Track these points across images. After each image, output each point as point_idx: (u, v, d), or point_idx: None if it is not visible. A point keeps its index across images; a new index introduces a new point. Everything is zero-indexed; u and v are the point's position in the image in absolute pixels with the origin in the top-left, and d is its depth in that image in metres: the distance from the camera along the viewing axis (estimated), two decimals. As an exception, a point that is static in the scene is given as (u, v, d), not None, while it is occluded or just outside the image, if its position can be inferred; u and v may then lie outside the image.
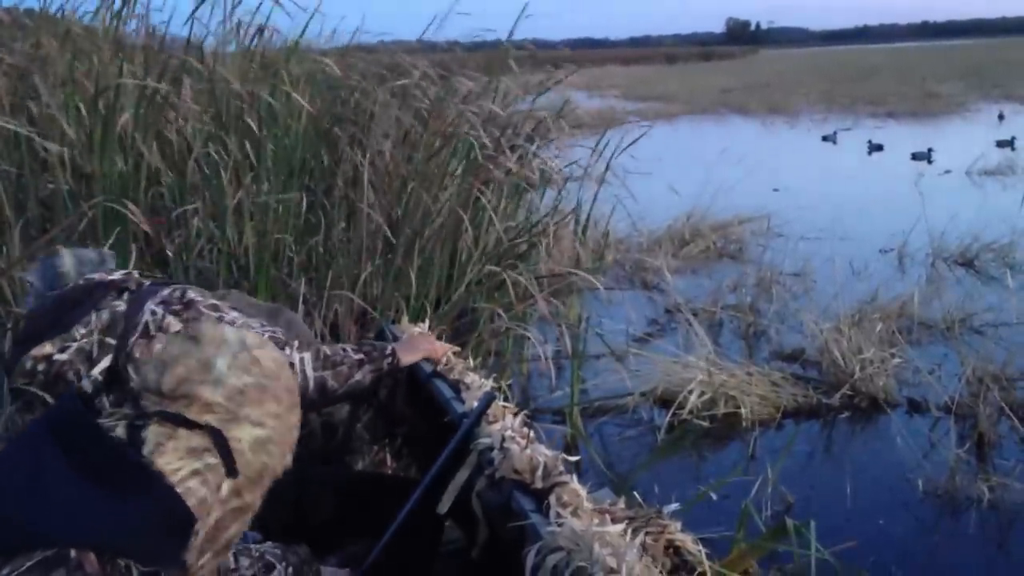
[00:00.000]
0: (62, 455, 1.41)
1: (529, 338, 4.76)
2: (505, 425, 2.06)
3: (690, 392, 4.89)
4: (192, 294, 2.35)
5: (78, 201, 3.69)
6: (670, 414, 4.82)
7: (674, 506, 1.84)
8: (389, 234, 4.16)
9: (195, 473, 1.40)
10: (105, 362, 2.29)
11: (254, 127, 4.17)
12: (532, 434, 2.04)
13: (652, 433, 4.76)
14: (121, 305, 2.29)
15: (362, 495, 2.55)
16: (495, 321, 4.34)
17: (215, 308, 2.38)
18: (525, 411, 2.28)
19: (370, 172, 4.28)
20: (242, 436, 1.45)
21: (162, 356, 1.55)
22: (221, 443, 1.44)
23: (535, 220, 5.35)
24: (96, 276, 2.35)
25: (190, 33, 4.68)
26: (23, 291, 2.63)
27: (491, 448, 2.01)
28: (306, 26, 4.71)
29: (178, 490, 1.37)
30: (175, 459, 1.41)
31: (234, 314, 2.32)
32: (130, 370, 2.31)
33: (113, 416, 1.51)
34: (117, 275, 2.37)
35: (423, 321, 3.04)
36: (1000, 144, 15.49)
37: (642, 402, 5.03)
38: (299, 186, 4.18)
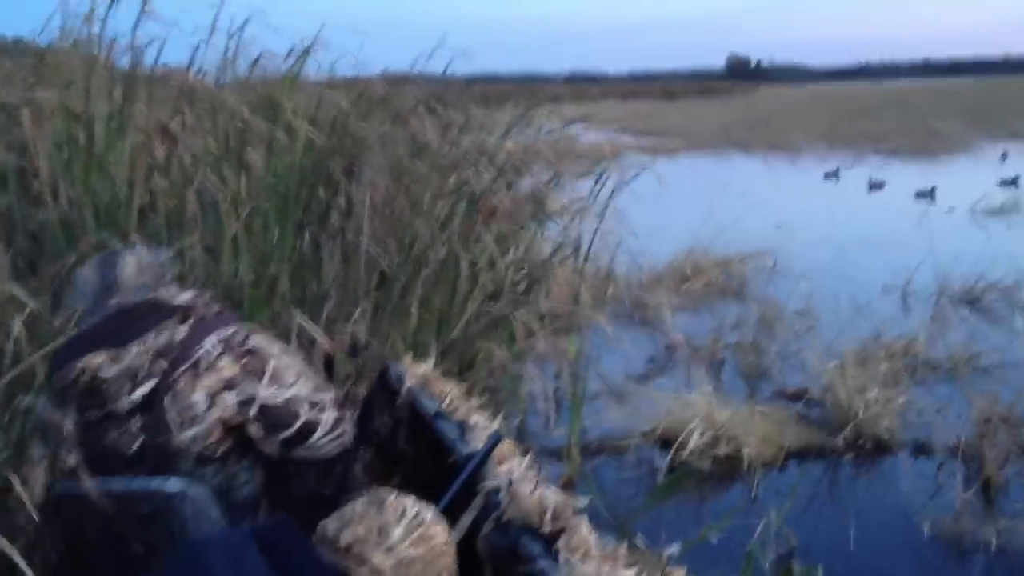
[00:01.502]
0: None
1: (527, 376, 4.75)
2: (513, 466, 2.05)
3: (691, 432, 4.88)
4: (255, 342, 2.33)
5: (70, 232, 3.69)
6: (671, 454, 4.81)
7: (674, 547, 1.84)
8: (386, 269, 4.16)
9: None
10: (148, 386, 2.29)
11: (256, 158, 4.18)
12: (540, 475, 2.03)
13: (652, 474, 4.75)
14: (182, 332, 2.27)
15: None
16: (493, 359, 4.33)
17: (279, 357, 2.35)
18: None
19: (367, 207, 4.29)
20: None
21: (347, 513, 1.69)
22: None
23: (536, 256, 5.36)
24: (164, 293, 2.34)
25: (192, 60, 4.71)
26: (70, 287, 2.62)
27: (498, 490, 2.00)
28: (305, 56, 4.71)
29: None
30: None
31: (298, 368, 2.34)
32: (166, 401, 2.31)
33: None
34: (186, 297, 2.37)
35: (425, 359, 3.02)
36: (1004, 183, 15.57)
37: (642, 442, 5.02)
38: (295, 219, 4.18)
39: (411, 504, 1.73)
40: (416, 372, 2.83)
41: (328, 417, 2.38)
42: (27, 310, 2.97)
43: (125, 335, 2.27)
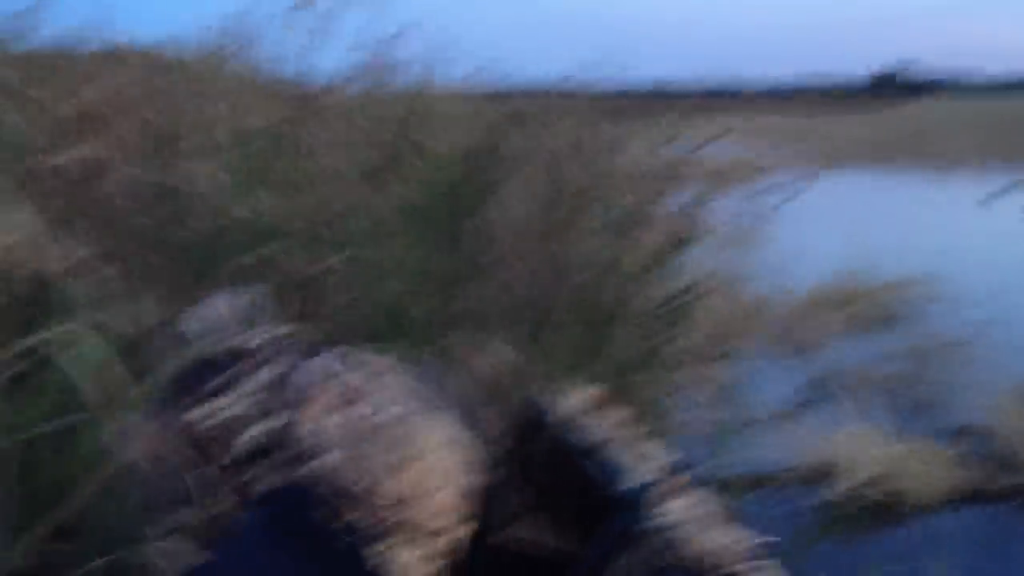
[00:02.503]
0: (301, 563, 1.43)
1: (677, 406, 4.68)
2: (686, 504, 1.98)
3: (845, 468, 4.73)
4: (360, 356, 2.38)
5: (225, 250, 3.76)
6: (823, 492, 4.67)
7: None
8: (533, 295, 4.11)
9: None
10: (260, 426, 2.33)
11: (398, 174, 4.21)
12: (709, 514, 1.96)
13: (802, 512, 4.61)
14: (281, 367, 2.33)
15: (508, 567, 2.52)
16: (643, 389, 4.26)
17: (389, 370, 2.39)
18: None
19: (513, 228, 4.27)
20: None
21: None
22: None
23: (686, 280, 5.26)
24: (252, 334, 2.39)
25: (331, 75, 4.77)
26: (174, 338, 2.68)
27: (669, 529, 1.93)
28: (441, 66, 4.75)
29: None
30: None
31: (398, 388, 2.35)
32: (285, 435, 2.35)
33: None
34: (279, 331, 2.42)
35: (578, 388, 2.97)
36: None
37: (792, 478, 4.88)
38: (440, 240, 4.19)
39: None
40: (569, 402, 2.80)
41: None
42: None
43: (217, 385, 2.32)
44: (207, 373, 2.37)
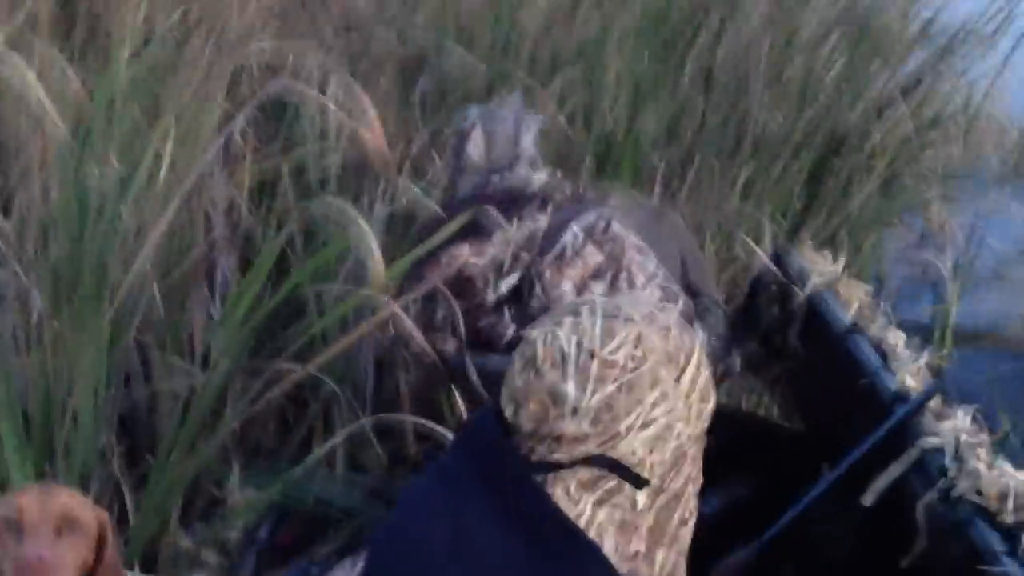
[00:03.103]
0: (492, 509, 1.30)
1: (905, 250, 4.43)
2: (958, 427, 1.86)
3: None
4: (617, 228, 2.32)
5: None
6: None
7: None
8: (764, 128, 3.87)
9: (600, 504, 1.29)
10: (514, 277, 2.32)
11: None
12: (990, 443, 1.83)
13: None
14: (542, 220, 2.29)
15: (745, 434, 2.48)
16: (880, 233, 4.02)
17: (639, 250, 2.33)
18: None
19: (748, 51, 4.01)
20: (632, 449, 1.31)
21: (513, 393, 1.36)
22: (612, 467, 1.31)
23: (933, 103, 4.83)
24: (519, 177, 2.34)
25: None
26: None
27: (939, 450, 1.82)
28: None
29: (591, 533, 1.27)
30: (568, 502, 1.29)
31: (652, 267, 2.27)
32: (537, 290, 2.33)
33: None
34: (541, 181, 2.36)
35: (829, 251, 2.81)
36: None
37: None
38: (676, 58, 3.98)
39: (566, 338, 1.30)
40: (821, 268, 2.66)
41: None
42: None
43: (487, 225, 2.28)
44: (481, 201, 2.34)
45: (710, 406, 1.35)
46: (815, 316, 2.52)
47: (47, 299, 2.22)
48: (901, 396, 2.02)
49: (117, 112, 2.46)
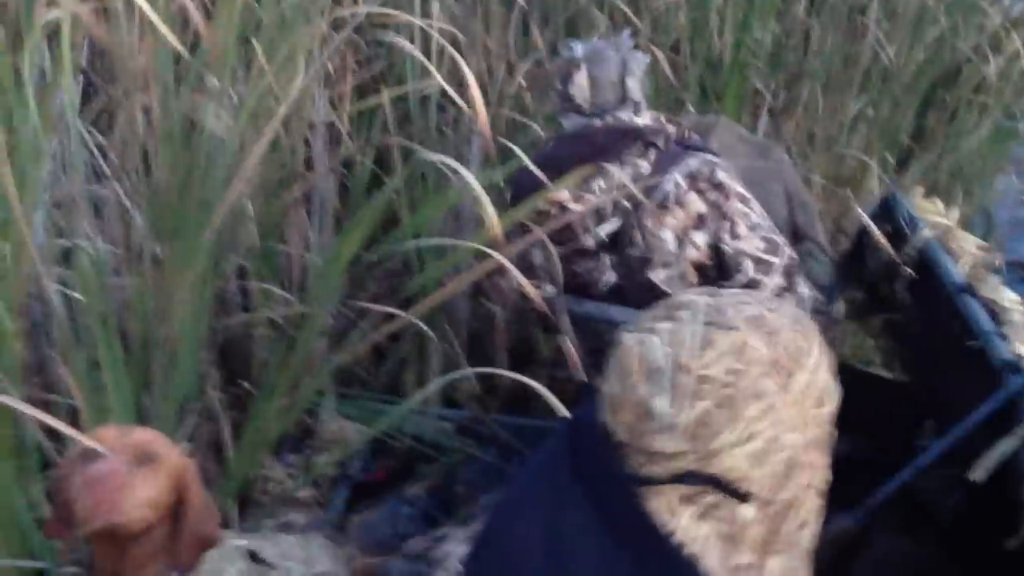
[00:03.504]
0: (589, 510, 1.26)
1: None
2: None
3: None
4: (722, 175, 2.26)
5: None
6: None
7: None
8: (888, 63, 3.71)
9: (702, 517, 1.25)
10: (614, 223, 2.28)
11: None
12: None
13: None
14: (645, 165, 2.24)
15: (847, 388, 2.42)
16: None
17: (743, 199, 2.27)
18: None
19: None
20: (733, 464, 1.24)
21: (607, 399, 1.27)
22: (711, 482, 1.26)
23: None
24: (626, 117, 2.29)
25: None
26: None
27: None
28: None
29: (695, 547, 1.23)
30: (669, 515, 1.25)
31: (755, 217, 2.21)
32: (637, 236, 2.28)
33: None
34: (647, 121, 2.30)
35: (942, 199, 2.71)
36: None
37: None
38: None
39: (659, 352, 1.22)
40: (933, 219, 2.57)
41: (772, 283, 2.26)
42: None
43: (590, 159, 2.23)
44: (582, 143, 2.29)
45: (828, 408, 1.27)
46: (925, 269, 2.44)
47: (148, 221, 2.22)
48: (1012, 365, 1.95)
49: (222, 29, 2.42)
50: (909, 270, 2.50)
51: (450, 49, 2.37)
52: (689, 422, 1.20)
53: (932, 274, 2.39)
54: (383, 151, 2.78)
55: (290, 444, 2.33)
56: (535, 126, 2.91)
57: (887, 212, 2.62)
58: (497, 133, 2.88)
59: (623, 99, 2.34)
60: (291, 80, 2.37)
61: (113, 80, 2.57)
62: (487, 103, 2.89)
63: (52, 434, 1.86)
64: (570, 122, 2.36)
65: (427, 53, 2.56)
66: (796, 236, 2.68)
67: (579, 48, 2.38)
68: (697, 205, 2.24)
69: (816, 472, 1.26)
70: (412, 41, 2.72)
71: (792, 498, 1.25)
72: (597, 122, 2.32)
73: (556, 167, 2.16)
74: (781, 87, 3.79)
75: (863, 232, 2.68)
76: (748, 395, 1.20)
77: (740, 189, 2.29)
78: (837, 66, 3.77)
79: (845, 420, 2.40)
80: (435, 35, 2.55)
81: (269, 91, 2.38)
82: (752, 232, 2.26)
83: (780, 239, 2.32)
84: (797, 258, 2.37)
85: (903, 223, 2.54)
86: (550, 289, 2.32)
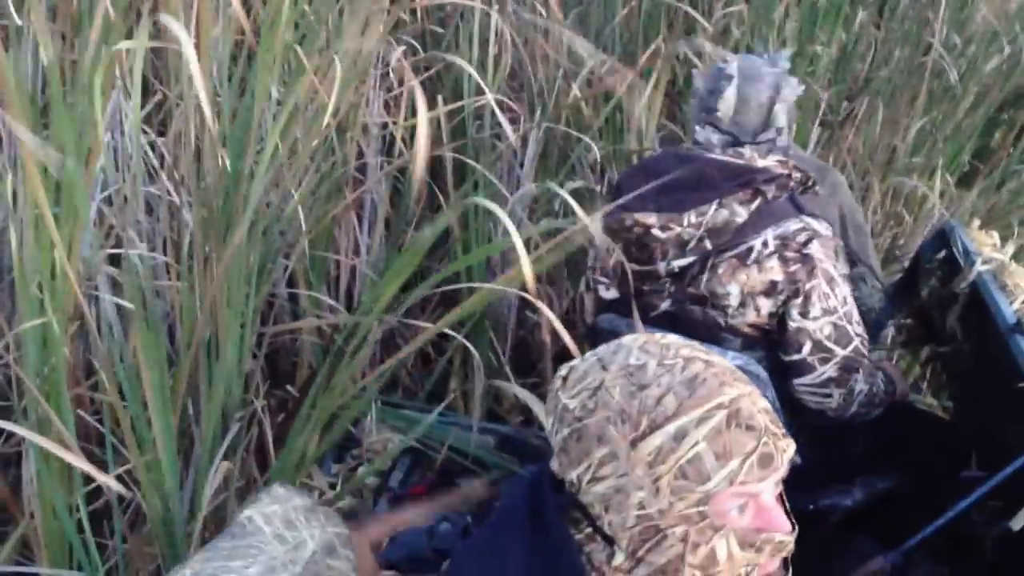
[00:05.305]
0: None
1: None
2: None
3: None
4: (816, 249, 2.19)
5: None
6: None
7: None
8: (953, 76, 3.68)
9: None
10: (689, 258, 2.26)
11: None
12: None
13: None
14: (743, 214, 2.19)
15: (893, 424, 2.44)
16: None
17: (829, 280, 2.20)
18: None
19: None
20: (591, 501, 1.26)
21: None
22: (582, 511, 1.29)
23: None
24: (746, 160, 2.26)
25: None
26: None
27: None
28: None
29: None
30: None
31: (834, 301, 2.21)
32: (703, 279, 2.28)
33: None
34: (771, 162, 2.26)
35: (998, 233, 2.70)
36: None
37: None
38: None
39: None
40: (989, 253, 2.57)
41: (829, 372, 2.23)
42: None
43: (685, 199, 2.22)
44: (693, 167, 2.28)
45: (706, 488, 1.21)
46: (977, 304, 2.45)
47: (198, 221, 2.25)
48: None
49: (278, 32, 2.46)
50: (960, 304, 2.51)
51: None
52: (556, 444, 1.29)
53: (984, 309, 2.40)
54: (435, 158, 2.81)
55: (333, 453, 2.38)
56: (587, 139, 2.92)
57: (943, 242, 2.62)
58: (554, 145, 2.93)
59: (767, 124, 2.32)
60: (347, 84, 2.40)
61: (167, 80, 2.63)
62: (543, 114, 2.94)
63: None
64: (704, 134, 2.33)
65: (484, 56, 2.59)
66: (849, 259, 2.67)
67: (734, 62, 2.36)
68: (774, 272, 2.19)
69: (699, 553, 1.24)
70: (470, 43, 2.75)
71: (664, 566, 1.26)
72: (717, 151, 2.31)
73: (656, 177, 2.14)
74: (843, 98, 3.79)
75: (917, 259, 2.70)
76: (593, 435, 1.24)
77: (830, 267, 2.25)
78: (901, 80, 3.75)
79: (892, 456, 2.44)
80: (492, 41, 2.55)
81: (315, 94, 2.40)
82: (824, 315, 2.21)
83: (855, 331, 2.26)
84: (866, 355, 2.33)
85: (958, 254, 2.55)
86: (610, 293, 2.36)
